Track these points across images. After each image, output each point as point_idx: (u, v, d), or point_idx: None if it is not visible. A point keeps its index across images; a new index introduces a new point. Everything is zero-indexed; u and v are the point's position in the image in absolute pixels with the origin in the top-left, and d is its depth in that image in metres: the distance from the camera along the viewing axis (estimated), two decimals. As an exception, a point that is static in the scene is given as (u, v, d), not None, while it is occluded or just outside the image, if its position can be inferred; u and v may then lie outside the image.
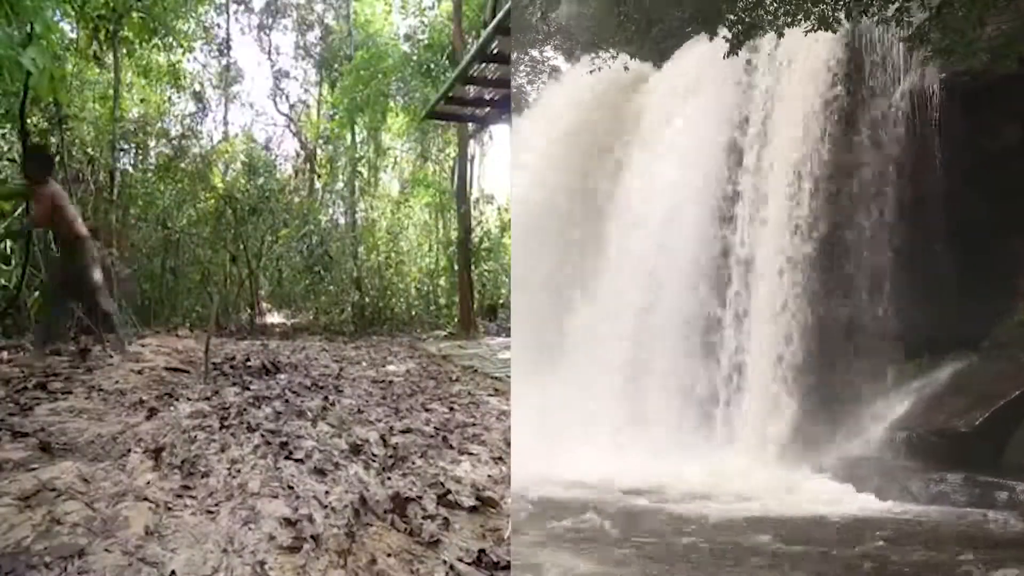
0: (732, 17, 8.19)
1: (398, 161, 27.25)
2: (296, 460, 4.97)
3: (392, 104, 22.86)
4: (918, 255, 8.37)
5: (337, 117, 24.34)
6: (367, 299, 20.01)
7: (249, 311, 18.23)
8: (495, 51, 11.93)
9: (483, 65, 12.66)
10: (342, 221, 24.10)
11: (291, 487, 4.32)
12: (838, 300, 8.72)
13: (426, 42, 21.86)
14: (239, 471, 4.58)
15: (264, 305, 19.64)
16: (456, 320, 19.41)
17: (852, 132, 8.95)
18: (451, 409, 7.61)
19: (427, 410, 7.48)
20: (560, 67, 13.04)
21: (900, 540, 5.70)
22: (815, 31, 7.94)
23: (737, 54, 8.37)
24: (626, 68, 9.96)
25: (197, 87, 21.40)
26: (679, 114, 10.34)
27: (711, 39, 8.43)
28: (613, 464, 7.98)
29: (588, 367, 9.73)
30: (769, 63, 9.50)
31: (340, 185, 25.18)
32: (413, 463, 5.27)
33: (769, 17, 8.15)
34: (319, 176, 26.13)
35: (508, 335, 17.73)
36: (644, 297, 9.86)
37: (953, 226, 8.20)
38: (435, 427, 6.58)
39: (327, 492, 4.29)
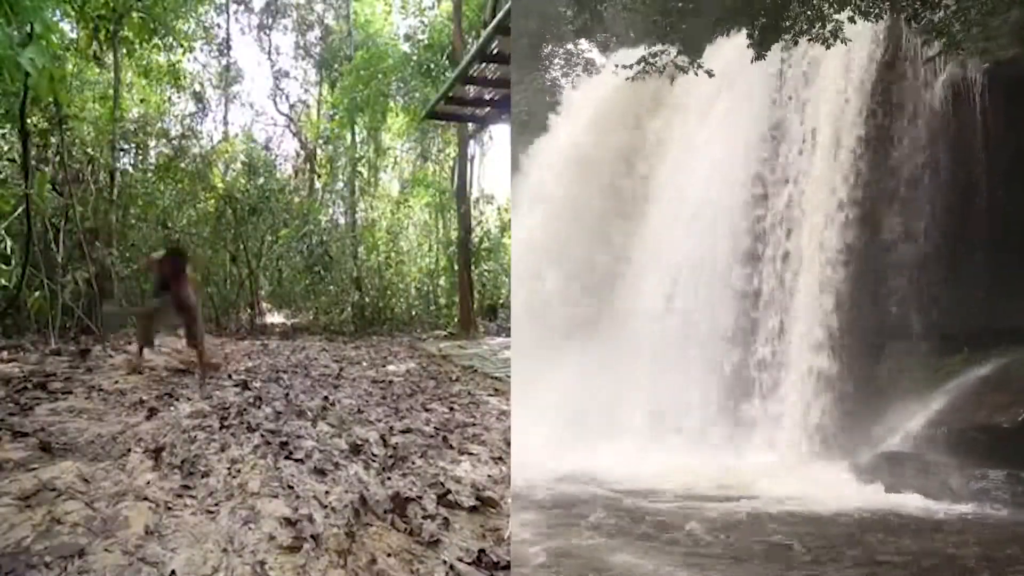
0: (762, 20, 8.28)
1: (398, 161, 27.23)
2: (296, 460, 4.97)
3: (392, 104, 22.84)
4: (959, 248, 8.29)
5: (337, 117, 24.31)
6: (367, 299, 19.97)
7: (249, 311, 18.23)
8: (495, 51, 11.91)
9: (483, 65, 12.63)
10: (342, 221, 24.06)
11: (291, 487, 4.32)
12: (877, 293, 8.73)
13: (426, 42, 21.83)
14: (239, 471, 4.58)
15: (264, 305, 19.65)
16: (456, 320, 19.39)
17: (891, 124, 8.94)
18: (451, 409, 7.60)
19: (427, 410, 7.47)
20: (595, 60, 13.10)
21: (942, 537, 5.72)
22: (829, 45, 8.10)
23: (764, 57, 8.53)
24: (676, 67, 9.74)
25: (197, 87, 21.42)
26: (717, 104, 10.42)
27: (748, 33, 8.49)
28: (644, 460, 8.15)
29: (622, 358, 9.72)
30: (805, 56, 9.48)
31: (340, 185, 25.10)
32: (413, 463, 5.27)
33: (787, 23, 8.26)
34: (319, 176, 26.11)
35: (508, 335, 17.78)
36: (678, 288, 9.96)
37: (995, 219, 8.11)
38: (435, 427, 6.58)
39: (327, 492, 4.29)
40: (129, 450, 4.83)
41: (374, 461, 5.22)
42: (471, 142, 22.12)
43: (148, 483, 4.15)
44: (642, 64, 9.81)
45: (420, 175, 26.07)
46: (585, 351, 9.86)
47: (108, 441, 5.04)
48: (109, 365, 8.60)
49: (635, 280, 10.48)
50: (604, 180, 11.30)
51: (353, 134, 24.16)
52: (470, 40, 17.47)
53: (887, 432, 7.89)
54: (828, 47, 8.27)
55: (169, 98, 19.08)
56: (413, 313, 21.17)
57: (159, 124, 17.69)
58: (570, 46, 13.37)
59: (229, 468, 4.62)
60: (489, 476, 5.07)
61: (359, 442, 5.64)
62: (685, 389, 9.29)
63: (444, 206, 24.31)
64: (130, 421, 5.73)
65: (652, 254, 10.50)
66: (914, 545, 5.57)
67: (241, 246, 17.65)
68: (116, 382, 7.43)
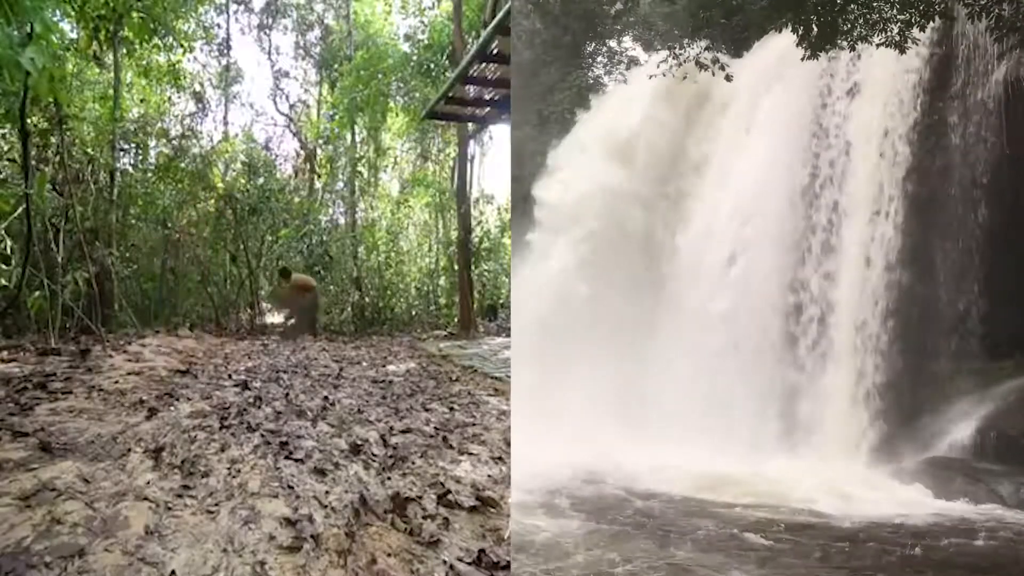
0: (814, 18, 8.10)
1: (398, 161, 27.28)
2: (296, 460, 4.96)
3: (392, 104, 22.89)
4: (1012, 251, 8.09)
5: (337, 117, 24.33)
6: (367, 299, 20.02)
7: (249, 311, 18.24)
8: (495, 51, 11.94)
9: (483, 65, 12.66)
10: (342, 221, 24.11)
11: (291, 487, 4.31)
12: (926, 296, 8.63)
13: (426, 42, 21.91)
14: (239, 471, 4.58)
15: (264, 305, 19.61)
16: (456, 320, 19.40)
17: (942, 120, 8.84)
18: (451, 409, 7.59)
19: (427, 410, 7.46)
20: (639, 58, 12.98)
21: (990, 545, 5.65)
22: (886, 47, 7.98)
23: (817, 57, 8.39)
24: (720, 67, 9.65)
25: (197, 87, 21.44)
26: (764, 100, 10.37)
27: (795, 31, 8.35)
28: (691, 463, 7.97)
29: (668, 357, 9.74)
30: (855, 52, 9.13)
31: (340, 185, 25.19)
32: (413, 463, 5.26)
33: (847, 27, 8.11)
34: (319, 176, 26.12)
35: (508, 335, 17.78)
36: (724, 286, 9.90)
37: (1050, 221, 7.93)
38: (435, 427, 6.57)
39: (327, 492, 4.29)
40: (129, 450, 4.83)
41: (374, 461, 5.22)
42: (471, 142, 22.14)
43: (148, 483, 4.14)
44: (668, 62, 9.74)
45: (420, 175, 26.12)
46: (623, 353, 9.87)
47: (108, 441, 5.03)
48: (109, 365, 8.58)
49: (677, 282, 10.46)
50: (643, 183, 11.24)
51: (353, 134, 24.20)
52: (470, 40, 17.46)
53: (935, 437, 7.86)
54: (902, 51, 8.06)
55: (169, 98, 19.16)
56: (413, 313, 21.21)
57: (159, 124, 17.72)
58: (613, 44, 13.43)
59: (229, 468, 4.62)
60: (489, 476, 5.07)
61: (359, 442, 5.64)
62: (729, 390, 9.23)
63: (444, 206, 24.37)
64: (130, 421, 5.71)
65: (696, 255, 10.43)
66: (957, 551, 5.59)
67: (241, 246, 17.66)
68: (116, 382, 7.41)
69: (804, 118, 9.69)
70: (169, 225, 16.63)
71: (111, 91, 15.11)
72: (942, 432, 7.80)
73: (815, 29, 8.15)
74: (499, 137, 25.51)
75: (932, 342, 8.50)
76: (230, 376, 8.90)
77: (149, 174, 17.00)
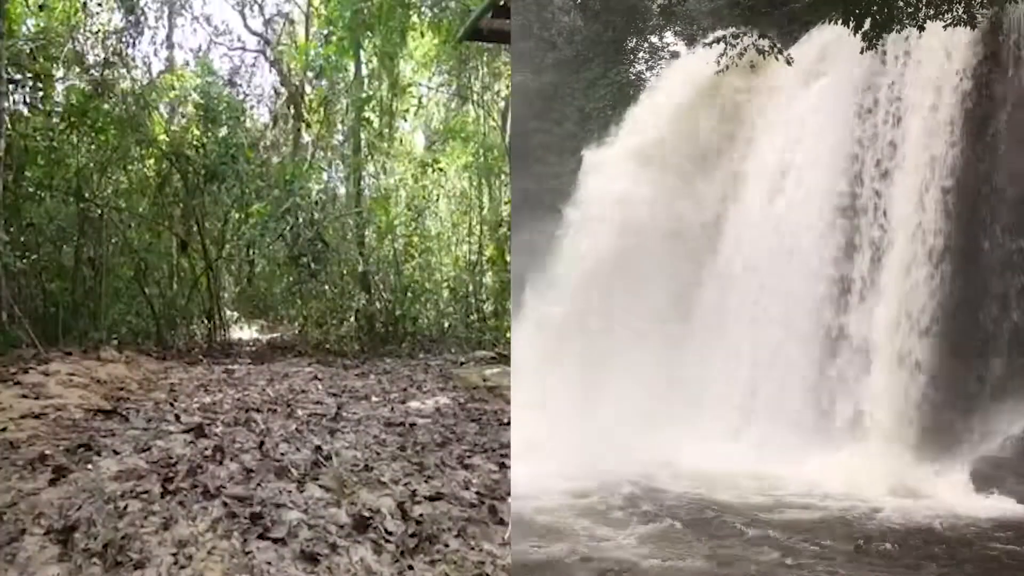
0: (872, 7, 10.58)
1: (423, 103, 27.17)
2: (275, 540, 4.93)
3: (416, 18, 22.80)
4: None
5: (335, 39, 24.31)
6: (378, 305, 19.98)
7: (207, 322, 18.32)
8: None
9: None
10: (342, 191, 24.09)
11: (267, 580, 4.28)
12: (978, 292, 11.25)
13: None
14: (190, 558, 4.53)
15: (228, 313, 19.70)
16: (508, 335, 19.27)
17: (989, 117, 11.46)
18: (501, 467, 7.52)
19: (465, 467, 7.44)
20: (681, 53, 17.44)
21: None
22: (956, 26, 10.51)
23: (876, 48, 11.10)
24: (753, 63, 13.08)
25: None
26: (808, 92, 13.65)
27: (846, 24, 10.88)
28: (731, 459, 11.26)
29: (709, 356, 13.47)
30: (900, 45, 12.19)
31: (339, 139, 25.31)
32: (446, 545, 5.20)
33: (910, 9, 10.67)
34: (308, 126, 26.14)
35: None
36: (765, 284, 13.32)
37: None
38: (477, 492, 6.53)
39: (320, 587, 4.25)
40: (23, 531, 4.79)
41: (388, 542, 5.16)
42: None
43: None
44: (723, 45, 12.83)
45: (456, 124, 26.00)
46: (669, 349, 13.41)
47: None
48: None
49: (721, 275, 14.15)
50: (686, 176, 14.79)
51: (358, 64, 24.07)
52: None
53: (986, 436, 10.52)
54: (973, 27, 10.70)
55: (84, 4, 17.97)
56: (446, 325, 21.14)
57: (69, 45, 17.21)
58: (654, 39, 18.28)
59: (176, 554, 4.56)
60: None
61: (366, 514, 5.59)
62: (776, 385, 12.56)
63: (491, 168, 24.25)
64: (24, 487, 5.66)
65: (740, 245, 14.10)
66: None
67: (195, 227, 17.72)
68: (3, 429, 7.40)
69: (847, 112, 12.97)
70: (87, 196, 16.31)
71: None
72: (995, 431, 10.43)
73: (868, 19, 10.67)
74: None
75: (985, 340, 11.17)
76: (178, 417, 8.92)
77: (55, 119, 16.54)
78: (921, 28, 10.81)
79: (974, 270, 11.32)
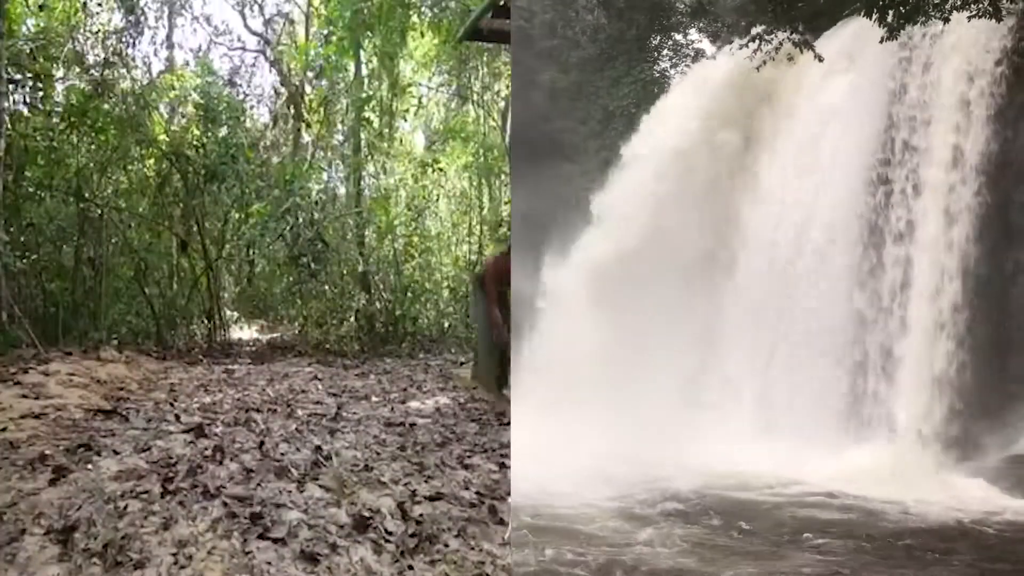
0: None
1: (423, 103, 27.07)
2: (275, 540, 4.93)
3: (416, 19, 22.73)
4: None
5: (335, 39, 24.24)
6: (378, 305, 19.95)
7: (207, 322, 18.26)
8: None
9: None
10: (342, 191, 23.97)
11: (267, 580, 4.28)
12: (1007, 287, 11.28)
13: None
14: (190, 558, 4.53)
15: (228, 313, 19.63)
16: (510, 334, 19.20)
17: (1017, 111, 11.31)
18: (501, 466, 7.53)
19: (466, 467, 7.45)
20: (705, 50, 17.34)
21: None
22: (980, 18, 10.57)
23: (896, 38, 11.22)
24: (791, 55, 12.94)
25: None
26: (832, 92, 13.45)
27: (871, 18, 11.16)
28: (755, 457, 11.09)
29: (732, 350, 13.42)
30: (927, 38, 12.15)
31: (339, 139, 25.17)
32: (446, 545, 5.21)
33: (935, 1, 10.75)
34: (308, 126, 26.04)
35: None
36: (790, 278, 13.07)
37: None
38: (477, 492, 6.53)
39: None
40: (24, 531, 4.78)
41: (388, 542, 5.16)
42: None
43: None
44: (757, 42, 12.79)
45: (456, 124, 25.94)
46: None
47: None
48: None
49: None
50: (710, 176, 14.59)
51: (358, 64, 24.01)
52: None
53: (1013, 436, 10.46)
54: (999, 19, 10.67)
55: (84, 4, 17.72)
56: (446, 325, 21.07)
57: (69, 45, 16.97)
58: (679, 36, 17.98)
59: (176, 554, 4.57)
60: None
61: (367, 514, 5.59)
62: (805, 383, 12.31)
63: (491, 168, 24.22)
64: (24, 487, 5.65)
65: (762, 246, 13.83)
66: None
67: (195, 227, 17.65)
68: (3, 429, 7.41)
69: (873, 106, 12.74)
70: (87, 196, 16.17)
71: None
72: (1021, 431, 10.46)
73: (891, 10, 10.90)
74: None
75: (1010, 338, 11.26)
76: (178, 417, 8.93)
77: (55, 120, 16.37)
78: (946, 20, 10.85)
79: (1007, 268, 11.41)
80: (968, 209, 11.38)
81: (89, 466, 6.34)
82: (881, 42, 11.20)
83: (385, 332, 19.73)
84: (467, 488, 6.58)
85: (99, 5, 18.00)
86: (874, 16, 11.02)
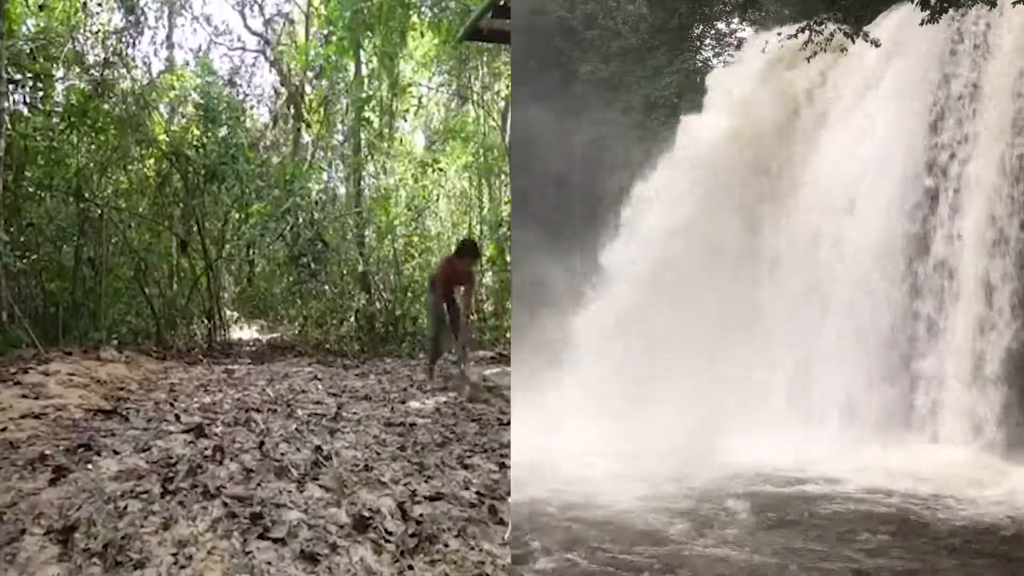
0: None
1: (423, 103, 26.94)
2: (275, 540, 4.92)
3: (416, 18, 22.62)
4: None
5: (335, 39, 24.11)
6: (378, 305, 19.92)
7: (207, 322, 18.18)
8: None
9: None
10: (342, 191, 23.84)
11: (267, 580, 4.27)
12: None
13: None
14: (190, 558, 4.52)
15: (228, 313, 19.52)
16: (508, 335, 19.16)
17: None
18: (501, 467, 7.52)
19: (466, 467, 7.44)
20: (747, 39, 17.09)
21: None
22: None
23: (937, 20, 11.06)
24: (845, 35, 12.37)
25: None
26: (882, 78, 13.39)
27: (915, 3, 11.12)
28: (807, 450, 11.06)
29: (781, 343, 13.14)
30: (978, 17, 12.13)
31: (339, 139, 25.00)
32: (446, 545, 5.20)
33: None
34: (308, 126, 25.89)
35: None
36: (837, 268, 12.98)
37: None
38: (478, 492, 6.52)
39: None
40: (23, 531, 4.77)
41: (388, 542, 5.16)
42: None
43: None
44: (807, 32, 12.25)
45: (456, 124, 25.84)
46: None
47: None
48: None
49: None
50: (756, 164, 14.63)
51: (358, 64, 23.89)
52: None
53: None
54: None
55: (84, 4, 17.51)
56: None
57: (69, 45, 16.80)
58: (721, 25, 18.05)
59: (176, 554, 4.56)
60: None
61: (367, 514, 5.59)
62: (848, 379, 12.24)
63: (491, 168, 24.16)
64: (24, 487, 5.61)
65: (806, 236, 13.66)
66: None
67: (195, 227, 17.55)
68: (4, 429, 7.36)
69: (920, 96, 12.69)
70: (87, 196, 16.07)
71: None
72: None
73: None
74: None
75: None
76: (178, 417, 8.89)
77: (55, 120, 16.17)
78: (992, 4, 10.81)
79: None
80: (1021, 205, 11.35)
81: (89, 466, 6.28)
82: (921, 24, 11.08)
83: (385, 332, 19.59)
84: (466, 488, 6.56)
85: (99, 5, 17.89)
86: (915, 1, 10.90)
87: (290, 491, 5.97)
